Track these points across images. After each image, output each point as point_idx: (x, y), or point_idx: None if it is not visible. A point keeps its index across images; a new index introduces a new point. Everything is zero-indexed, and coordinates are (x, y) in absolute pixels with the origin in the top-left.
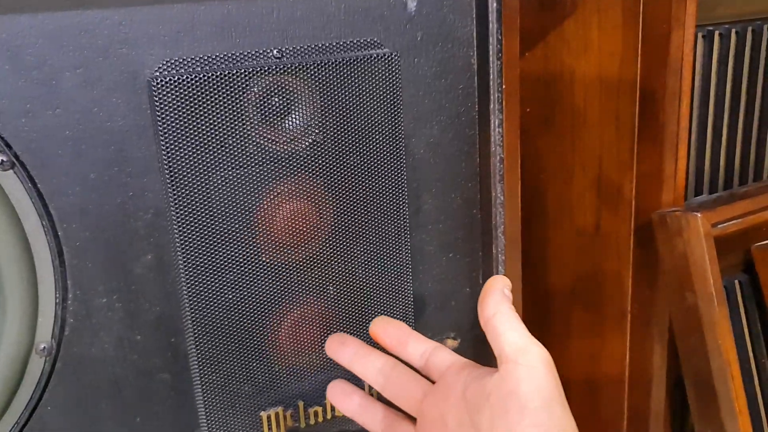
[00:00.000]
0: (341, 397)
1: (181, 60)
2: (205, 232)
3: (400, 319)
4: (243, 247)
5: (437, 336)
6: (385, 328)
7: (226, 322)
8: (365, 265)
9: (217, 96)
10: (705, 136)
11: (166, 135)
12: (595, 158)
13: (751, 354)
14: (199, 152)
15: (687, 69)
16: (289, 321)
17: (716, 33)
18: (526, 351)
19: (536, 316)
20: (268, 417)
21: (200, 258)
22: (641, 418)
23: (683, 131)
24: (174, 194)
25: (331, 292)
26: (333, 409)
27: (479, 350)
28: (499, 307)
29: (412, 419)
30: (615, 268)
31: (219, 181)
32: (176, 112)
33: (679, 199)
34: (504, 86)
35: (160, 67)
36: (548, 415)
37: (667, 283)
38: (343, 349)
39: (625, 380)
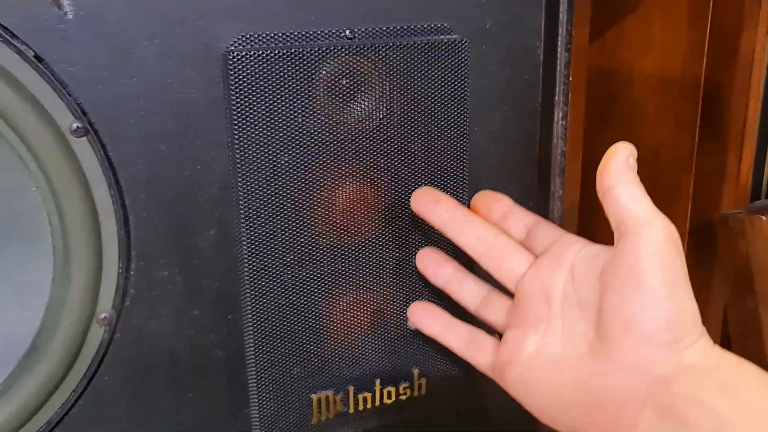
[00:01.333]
0: (432, 269)
1: (255, 35)
2: (270, 210)
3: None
4: (305, 227)
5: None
6: (489, 203)
7: (284, 303)
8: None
9: (290, 73)
10: (766, 140)
11: (239, 109)
12: (651, 156)
13: None
14: (268, 128)
15: (758, 68)
16: (344, 305)
17: None
18: (650, 224)
19: None
20: (319, 400)
21: (263, 235)
22: None
23: (750, 131)
24: (241, 169)
25: (387, 278)
26: (382, 396)
27: None
28: (621, 177)
29: (496, 335)
30: None
31: (286, 159)
32: (249, 86)
33: (741, 202)
34: (571, 78)
35: (235, 41)
36: (669, 296)
37: (724, 286)
38: (436, 208)
39: None
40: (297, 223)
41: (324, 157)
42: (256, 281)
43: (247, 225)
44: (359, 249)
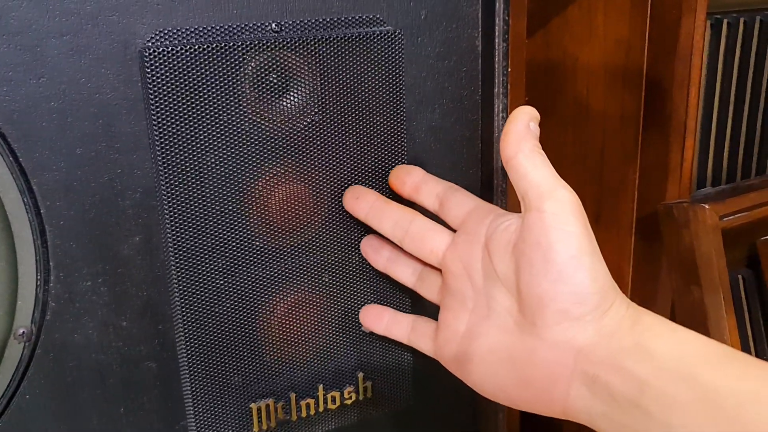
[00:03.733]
0: (372, 254)
1: (175, 30)
2: (197, 214)
3: (397, 307)
4: (236, 230)
5: None
6: (402, 177)
7: (217, 309)
8: (360, 255)
9: (212, 70)
10: (709, 128)
11: (158, 109)
12: (597, 149)
13: (753, 351)
14: (191, 129)
15: (697, 57)
16: (281, 310)
17: (725, 21)
18: (551, 195)
19: None
20: (259, 409)
21: (191, 241)
22: None
23: (691, 122)
24: (164, 172)
25: (326, 280)
26: (325, 401)
27: None
28: (522, 145)
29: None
30: (615, 261)
31: (212, 160)
32: (169, 85)
33: (685, 192)
34: (509, 69)
35: (152, 38)
36: (576, 267)
37: (671, 277)
38: (358, 203)
39: None
40: (227, 226)
41: (253, 157)
42: (185, 289)
43: (173, 230)
44: (296, 251)
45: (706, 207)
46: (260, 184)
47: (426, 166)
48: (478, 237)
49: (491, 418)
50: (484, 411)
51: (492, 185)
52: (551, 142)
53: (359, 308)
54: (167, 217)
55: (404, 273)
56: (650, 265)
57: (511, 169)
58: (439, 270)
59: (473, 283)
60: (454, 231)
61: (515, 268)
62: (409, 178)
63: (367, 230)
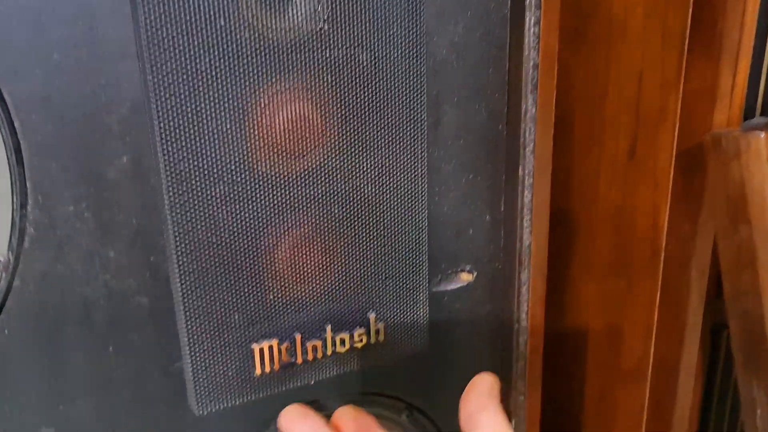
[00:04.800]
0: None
1: None
2: (192, 133)
3: (413, 248)
4: (236, 152)
5: (451, 268)
6: (352, 418)
7: (214, 240)
8: (375, 181)
9: None
10: (763, 50)
11: (147, 12)
12: (634, 75)
13: None
14: (185, 35)
15: None
16: (286, 242)
17: None
18: None
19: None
20: (261, 350)
21: (185, 163)
22: (670, 369)
23: (746, 41)
24: (154, 84)
25: (336, 211)
26: (334, 344)
27: (496, 287)
28: (487, 404)
29: None
30: (650, 200)
31: (208, 72)
32: None
33: (735, 121)
34: None
35: None
36: None
37: (714, 216)
38: (301, 424)
39: (653, 326)
40: (226, 148)
41: (255, 71)
42: (178, 216)
43: (164, 151)
44: (302, 178)
45: (762, 135)
46: (262, 101)
47: (447, 87)
48: None
49: (511, 366)
50: (504, 359)
51: (520, 110)
52: (581, 69)
53: (372, 243)
54: (158, 135)
55: None
56: (690, 203)
57: (473, 425)
58: None
59: None
60: None
61: None
62: (363, 421)
63: (382, 157)
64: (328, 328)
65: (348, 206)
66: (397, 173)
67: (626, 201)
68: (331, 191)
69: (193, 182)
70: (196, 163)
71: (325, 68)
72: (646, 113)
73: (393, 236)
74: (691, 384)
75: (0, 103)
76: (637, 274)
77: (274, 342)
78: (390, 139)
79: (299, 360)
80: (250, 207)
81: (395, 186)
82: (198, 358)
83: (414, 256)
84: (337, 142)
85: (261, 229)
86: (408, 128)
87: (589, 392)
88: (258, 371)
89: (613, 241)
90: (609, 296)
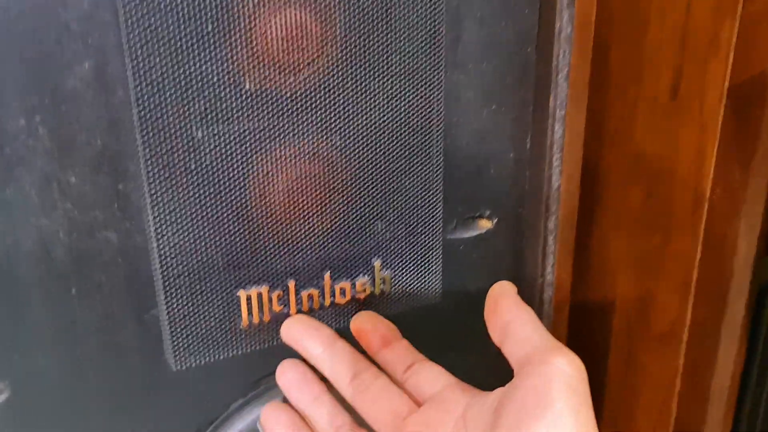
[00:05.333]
0: (294, 388)
1: None
2: (165, 34)
3: (426, 187)
4: (218, 62)
5: (468, 213)
6: (372, 323)
7: (193, 167)
8: (383, 103)
9: None
10: None
11: None
12: (682, 6)
13: None
14: None
15: None
16: (278, 173)
17: None
18: (558, 352)
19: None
20: (248, 298)
21: (157, 71)
22: (709, 333)
23: None
24: None
25: (337, 138)
26: (332, 294)
27: (517, 236)
28: (519, 311)
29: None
30: (695, 144)
31: None
32: None
33: None
34: None
35: None
36: (575, 420)
37: None
38: (312, 336)
39: (691, 285)
40: (206, 54)
41: None
42: (151, 136)
43: (133, 55)
44: (298, 96)
45: None
46: (254, 1)
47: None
48: (453, 408)
49: None
50: None
51: (552, 29)
52: None
53: (378, 178)
54: (125, 36)
55: (322, 420)
56: (742, 147)
57: (510, 332)
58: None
59: None
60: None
61: (495, 419)
62: (383, 330)
63: (392, 76)
64: (327, 275)
65: (351, 133)
66: (409, 98)
67: (666, 146)
68: (332, 115)
69: (168, 95)
70: (170, 72)
71: None
72: (693, 44)
73: (403, 172)
74: (734, 350)
75: None
76: (676, 228)
77: (264, 289)
78: (402, 56)
79: (293, 311)
80: (236, 128)
81: (407, 113)
82: (175, 305)
83: (427, 197)
84: (339, 56)
85: (248, 156)
86: (423, 45)
87: (615, 356)
88: (245, 322)
89: (648, 191)
90: (641, 252)
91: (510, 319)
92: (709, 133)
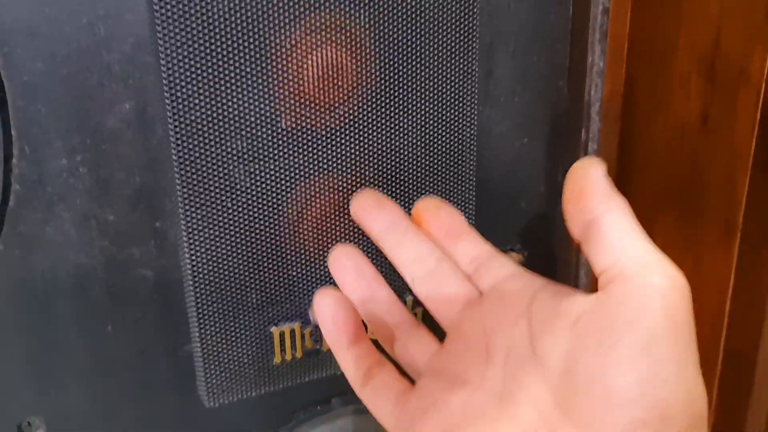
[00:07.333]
0: (346, 275)
1: None
2: (205, 76)
3: None
4: (256, 102)
5: (499, 246)
6: (436, 212)
7: (230, 205)
8: (416, 140)
9: None
10: None
11: None
12: (710, 27)
13: None
14: None
15: None
16: (313, 210)
17: None
18: (654, 267)
19: None
20: (281, 334)
21: (196, 112)
22: (744, 362)
23: None
24: (162, 16)
25: (371, 173)
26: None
27: (548, 269)
28: (610, 203)
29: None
30: (726, 170)
31: (225, 3)
32: None
33: None
34: None
35: None
36: (676, 370)
37: None
38: (377, 213)
39: (725, 313)
40: (244, 96)
41: (281, 3)
42: (189, 175)
43: (173, 97)
44: (333, 134)
45: None
46: (289, 40)
47: (502, 35)
48: (517, 304)
49: None
50: None
51: (585, 63)
52: (646, 23)
53: (409, 211)
54: (166, 78)
55: (380, 312)
56: None
57: (596, 232)
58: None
59: (490, 357)
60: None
61: (573, 348)
62: (447, 222)
63: (425, 112)
64: None
65: (384, 168)
66: (442, 132)
67: (698, 171)
68: (365, 151)
69: (206, 135)
70: (209, 112)
71: (362, 4)
72: (723, 72)
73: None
74: None
75: None
76: (709, 252)
77: (297, 326)
78: (435, 92)
79: (325, 347)
80: (272, 166)
81: (439, 147)
82: (209, 342)
83: None
84: (373, 94)
85: (284, 192)
86: (456, 81)
87: None
88: (277, 359)
89: (680, 217)
90: None
91: (598, 214)
92: (741, 158)
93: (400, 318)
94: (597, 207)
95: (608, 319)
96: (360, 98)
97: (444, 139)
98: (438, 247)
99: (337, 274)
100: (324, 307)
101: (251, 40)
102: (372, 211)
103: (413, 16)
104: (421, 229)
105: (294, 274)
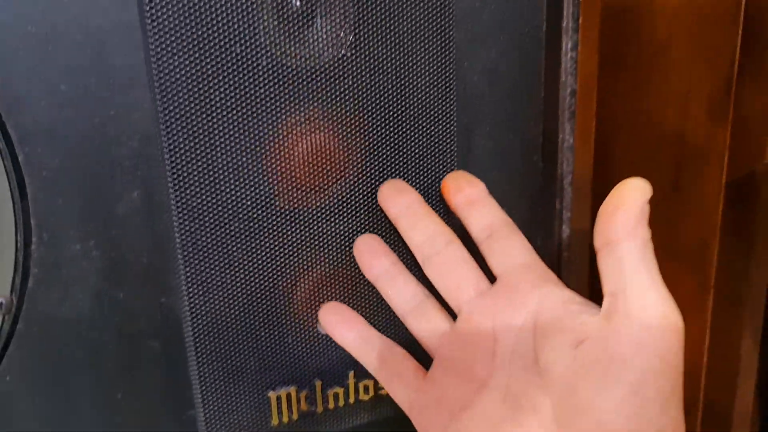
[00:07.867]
0: (368, 258)
1: None
2: (205, 166)
3: None
4: (252, 186)
5: None
6: (459, 180)
7: (229, 280)
8: None
9: None
10: None
11: (157, 37)
12: (678, 103)
13: None
14: (198, 62)
15: None
16: (305, 282)
17: None
18: (657, 308)
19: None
20: (278, 398)
21: (197, 198)
22: (721, 419)
23: None
24: (165, 115)
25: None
26: (357, 391)
27: None
28: (631, 232)
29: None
30: (697, 235)
31: (222, 102)
32: (171, 8)
33: None
34: None
35: None
36: (660, 410)
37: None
38: (394, 197)
39: (701, 372)
40: (241, 183)
41: (272, 100)
42: (191, 255)
43: (176, 186)
44: (324, 213)
45: None
46: (280, 132)
47: (479, 116)
48: (524, 303)
49: None
50: None
51: (556, 140)
52: (619, 97)
53: None
54: (170, 169)
55: (400, 295)
56: (741, 239)
57: (610, 256)
58: (446, 312)
59: (496, 351)
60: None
61: (571, 372)
62: (468, 189)
63: (413, 188)
64: (351, 374)
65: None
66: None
67: (670, 237)
68: (354, 228)
69: (207, 219)
70: (209, 198)
71: (347, 97)
72: (691, 143)
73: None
74: None
75: (3, 136)
76: (686, 313)
77: (293, 389)
78: (417, 172)
79: (319, 409)
80: (267, 244)
81: None
82: (211, 407)
83: None
84: (360, 176)
85: (279, 267)
86: (436, 161)
87: None
88: (275, 421)
89: None
90: None
91: (621, 238)
92: (710, 225)
93: (415, 292)
94: (622, 230)
95: (607, 353)
96: (347, 181)
97: None
98: (450, 232)
99: (364, 259)
100: (330, 316)
101: (246, 131)
102: (393, 194)
103: (396, 105)
104: (447, 198)
105: (289, 341)
